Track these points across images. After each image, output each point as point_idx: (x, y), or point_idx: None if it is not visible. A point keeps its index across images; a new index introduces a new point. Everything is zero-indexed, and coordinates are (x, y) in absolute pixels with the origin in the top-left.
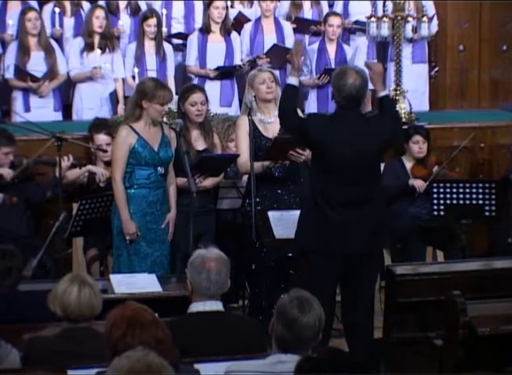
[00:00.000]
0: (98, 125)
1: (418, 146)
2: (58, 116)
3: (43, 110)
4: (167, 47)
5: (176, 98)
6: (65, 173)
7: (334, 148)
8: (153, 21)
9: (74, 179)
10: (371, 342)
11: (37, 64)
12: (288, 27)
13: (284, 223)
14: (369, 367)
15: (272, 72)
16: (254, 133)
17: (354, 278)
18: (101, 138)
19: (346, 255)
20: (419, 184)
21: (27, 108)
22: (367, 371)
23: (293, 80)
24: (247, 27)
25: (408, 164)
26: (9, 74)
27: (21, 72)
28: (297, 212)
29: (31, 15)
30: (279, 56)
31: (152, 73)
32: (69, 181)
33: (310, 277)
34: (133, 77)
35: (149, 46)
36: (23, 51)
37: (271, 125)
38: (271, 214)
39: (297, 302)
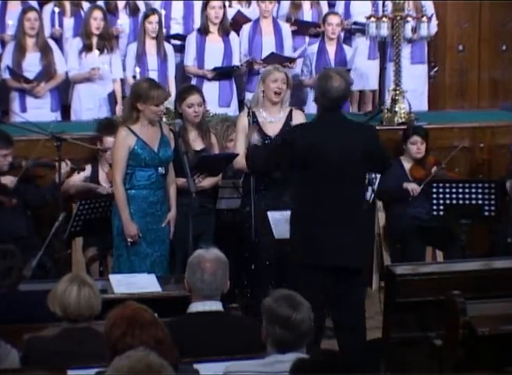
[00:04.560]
0: (108, 126)
1: (416, 147)
2: (55, 117)
3: (40, 110)
4: (168, 47)
5: (173, 98)
6: (65, 178)
7: (323, 150)
8: (154, 18)
9: (75, 192)
10: (365, 342)
11: (32, 64)
12: (286, 29)
13: (283, 223)
14: (366, 367)
15: (287, 74)
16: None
17: (342, 286)
18: (111, 141)
19: (335, 267)
20: (413, 187)
21: (24, 109)
22: (365, 371)
23: None
24: (246, 28)
25: (407, 165)
26: (6, 74)
27: (14, 73)
28: None
29: (31, 15)
30: (276, 64)
31: (153, 73)
32: (70, 192)
33: (299, 288)
34: (134, 77)
35: (150, 46)
36: (19, 51)
37: (272, 124)
38: (270, 214)
39: (284, 301)
